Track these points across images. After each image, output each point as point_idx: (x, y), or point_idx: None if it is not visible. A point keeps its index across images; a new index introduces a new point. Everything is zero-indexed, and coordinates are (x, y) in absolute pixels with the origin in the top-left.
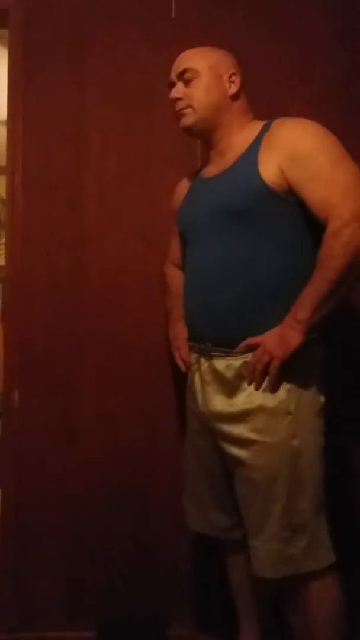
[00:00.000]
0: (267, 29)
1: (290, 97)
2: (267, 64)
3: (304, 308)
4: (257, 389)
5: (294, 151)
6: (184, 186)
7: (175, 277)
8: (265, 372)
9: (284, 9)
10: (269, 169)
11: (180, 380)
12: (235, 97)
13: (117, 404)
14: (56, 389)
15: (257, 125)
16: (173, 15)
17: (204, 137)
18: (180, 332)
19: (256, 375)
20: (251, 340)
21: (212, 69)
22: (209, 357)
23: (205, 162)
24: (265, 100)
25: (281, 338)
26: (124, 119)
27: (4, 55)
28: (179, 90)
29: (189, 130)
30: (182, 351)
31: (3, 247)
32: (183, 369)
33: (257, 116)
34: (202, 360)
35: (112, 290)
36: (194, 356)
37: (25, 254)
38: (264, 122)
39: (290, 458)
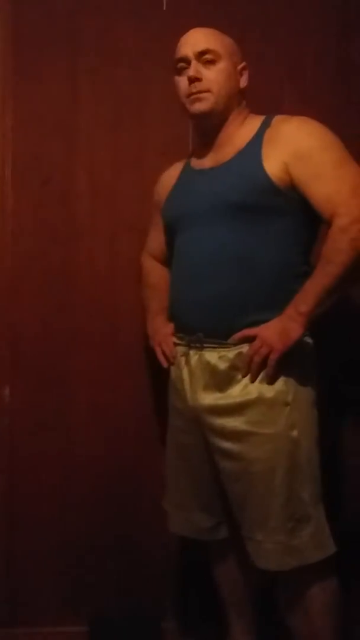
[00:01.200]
0: (259, 22)
1: (282, 91)
2: (259, 58)
3: (306, 301)
4: (252, 381)
5: (301, 148)
6: (169, 177)
7: (154, 269)
8: (263, 364)
9: (276, 2)
10: (274, 165)
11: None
12: (244, 91)
13: (109, 399)
14: (47, 384)
15: (256, 121)
16: (164, 7)
17: (210, 126)
18: (160, 326)
19: (253, 368)
20: (248, 331)
21: (231, 55)
22: (200, 349)
23: (197, 153)
24: (257, 94)
25: (282, 330)
26: (116, 112)
27: None
28: (199, 70)
29: (202, 116)
30: (164, 345)
31: None
32: (165, 364)
33: (251, 111)
34: (192, 353)
35: (104, 284)
36: (180, 350)
37: (16, 249)
38: (262, 117)
39: (289, 449)
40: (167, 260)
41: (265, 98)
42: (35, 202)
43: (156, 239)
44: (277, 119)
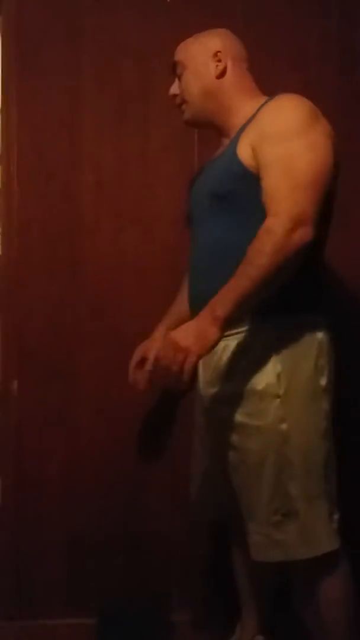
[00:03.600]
0: (262, 14)
1: (285, 83)
2: (261, 49)
3: (224, 304)
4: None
5: (265, 131)
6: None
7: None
8: (180, 370)
9: None
10: (244, 149)
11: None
12: (221, 75)
13: (115, 393)
14: (55, 377)
15: (256, 103)
16: (168, 1)
17: (209, 125)
18: (157, 342)
19: (172, 377)
20: (165, 339)
21: (195, 56)
22: None
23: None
24: (260, 86)
25: (199, 333)
26: (120, 107)
27: None
28: (175, 86)
29: (190, 124)
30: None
31: None
32: (139, 385)
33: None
34: None
35: (109, 279)
36: None
37: (22, 244)
38: (264, 99)
39: (278, 442)
40: None
41: (269, 89)
42: (40, 197)
43: None
44: (269, 101)
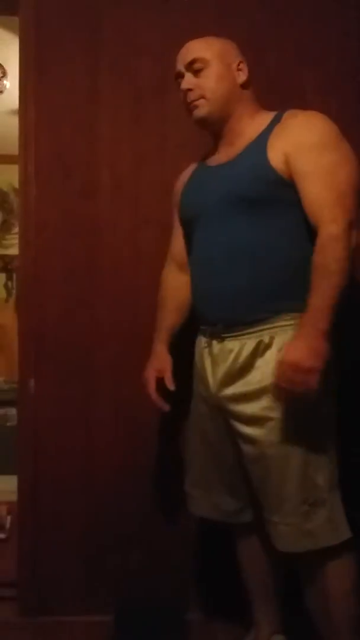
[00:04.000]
0: (281, 10)
1: (305, 79)
2: (281, 45)
3: (323, 318)
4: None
5: (301, 142)
6: (185, 177)
7: (174, 288)
8: (308, 388)
9: None
10: (276, 155)
11: (192, 367)
12: (245, 85)
13: (133, 391)
14: (72, 376)
15: (268, 116)
16: (186, 0)
17: (216, 127)
18: (157, 356)
19: (297, 397)
20: (283, 362)
21: (221, 57)
22: (222, 339)
23: (212, 151)
24: (278, 83)
25: (314, 350)
26: (137, 106)
27: (15, 44)
28: (189, 81)
29: (202, 122)
30: (167, 378)
31: (16, 236)
32: (165, 407)
33: (273, 98)
34: (214, 343)
35: (126, 277)
36: (203, 340)
37: (39, 243)
38: (274, 113)
39: (304, 434)
40: (187, 262)
41: (287, 87)
42: (57, 196)
43: (178, 242)
44: (287, 114)
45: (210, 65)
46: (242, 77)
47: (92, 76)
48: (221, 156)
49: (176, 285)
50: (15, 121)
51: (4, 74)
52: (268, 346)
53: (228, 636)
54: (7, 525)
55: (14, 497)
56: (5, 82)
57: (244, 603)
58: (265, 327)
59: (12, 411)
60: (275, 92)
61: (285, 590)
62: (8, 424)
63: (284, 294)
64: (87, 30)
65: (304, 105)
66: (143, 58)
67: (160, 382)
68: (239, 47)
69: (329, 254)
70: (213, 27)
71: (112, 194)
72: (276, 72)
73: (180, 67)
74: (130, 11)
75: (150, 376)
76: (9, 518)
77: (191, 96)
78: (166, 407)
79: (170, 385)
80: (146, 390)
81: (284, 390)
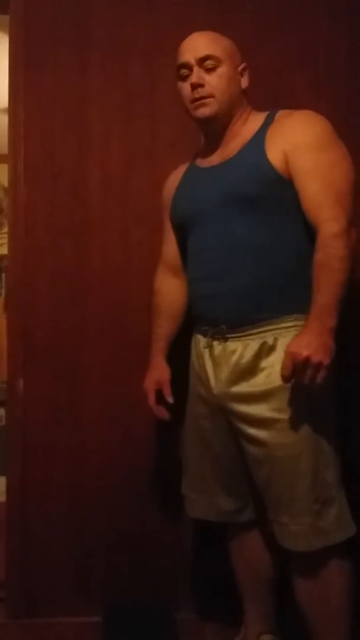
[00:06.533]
0: (272, 11)
1: (295, 79)
2: (271, 46)
3: (330, 315)
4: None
5: (299, 141)
6: (174, 179)
7: (169, 295)
8: (315, 382)
9: None
10: (275, 154)
11: (186, 367)
12: (246, 90)
13: (121, 391)
14: (61, 376)
15: (260, 116)
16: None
17: (215, 127)
18: (156, 368)
19: (302, 390)
20: (293, 355)
21: (231, 59)
22: (224, 340)
23: (202, 153)
24: (269, 83)
25: (322, 346)
26: (127, 105)
27: (4, 42)
28: (201, 76)
29: (207, 121)
30: (166, 390)
31: (6, 235)
32: (166, 416)
33: (264, 99)
34: (215, 344)
35: (116, 277)
36: (203, 340)
37: (29, 242)
38: (266, 113)
39: (313, 434)
40: (181, 266)
41: (277, 88)
42: (47, 195)
43: (171, 247)
44: (281, 113)
45: (223, 65)
46: (245, 82)
47: (82, 75)
48: (214, 157)
49: (171, 291)
50: (4, 120)
51: None
52: (272, 348)
53: (218, 636)
54: None
55: (2, 498)
56: None
57: (233, 603)
58: (269, 327)
59: (1, 411)
60: (266, 92)
61: (276, 589)
62: None
63: (287, 293)
64: (77, 29)
65: (295, 106)
66: (133, 57)
67: (159, 393)
68: None
69: (331, 252)
70: (204, 26)
71: (102, 194)
72: (267, 73)
73: (190, 58)
74: (120, 10)
75: (150, 389)
76: None
77: (201, 92)
78: (167, 417)
79: (170, 398)
80: (147, 401)
81: (291, 383)
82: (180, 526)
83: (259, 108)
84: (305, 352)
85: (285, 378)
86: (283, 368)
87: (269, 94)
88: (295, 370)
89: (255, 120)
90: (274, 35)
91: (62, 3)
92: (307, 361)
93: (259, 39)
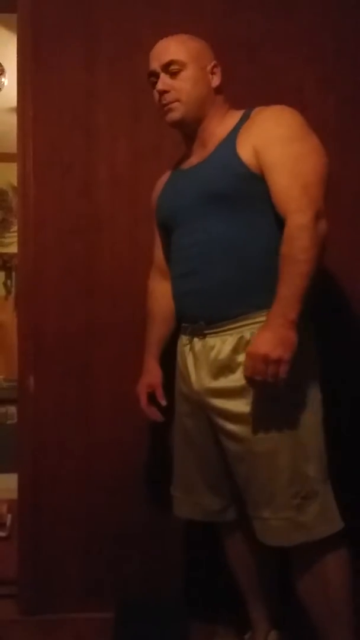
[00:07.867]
0: (279, 6)
1: (302, 77)
2: (279, 42)
3: (292, 307)
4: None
5: (268, 136)
6: (161, 183)
7: (161, 298)
8: (277, 379)
9: None
10: (246, 150)
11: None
12: (218, 89)
13: (132, 388)
14: (71, 374)
15: (237, 114)
16: None
17: (189, 129)
18: (148, 371)
19: (268, 387)
20: (252, 355)
21: (197, 60)
22: (203, 336)
23: (185, 155)
24: (276, 80)
25: (282, 341)
26: (135, 102)
27: (12, 41)
28: (166, 82)
29: (176, 125)
30: (158, 393)
31: (15, 234)
32: (159, 417)
33: (270, 96)
34: (195, 340)
35: (125, 274)
36: (184, 338)
37: (38, 241)
38: (242, 111)
39: (292, 428)
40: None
41: (285, 83)
42: (56, 192)
43: (160, 250)
44: (255, 110)
45: (187, 68)
46: (216, 81)
47: (90, 73)
48: (194, 158)
49: (163, 294)
50: (13, 119)
51: (2, 72)
52: (249, 342)
53: (229, 631)
54: (8, 523)
55: (14, 495)
56: (3, 79)
57: (243, 602)
58: (246, 322)
59: (12, 409)
60: (273, 89)
61: (277, 584)
62: (8, 421)
63: (262, 288)
64: (85, 27)
65: (302, 103)
66: (141, 54)
67: (152, 395)
68: (236, 44)
69: (295, 244)
70: (211, 23)
71: (110, 191)
72: (274, 69)
73: (156, 66)
74: (128, 7)
75: (142, 392)
76: (9, 516)
77: (167, 98)
78: (160, 418)
79: (162, 400)
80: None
81: (253, 382)
82: (192, 525)
83: (265, 104)
84: (262, 350)
85: (247, 378)
86: (244, 369)
87: (277, 91)
88: (256, 369)
89: (232, 119)
90: (282, 31)
91: (69, 2)
92: (266, 358)
93: (266, 35)
